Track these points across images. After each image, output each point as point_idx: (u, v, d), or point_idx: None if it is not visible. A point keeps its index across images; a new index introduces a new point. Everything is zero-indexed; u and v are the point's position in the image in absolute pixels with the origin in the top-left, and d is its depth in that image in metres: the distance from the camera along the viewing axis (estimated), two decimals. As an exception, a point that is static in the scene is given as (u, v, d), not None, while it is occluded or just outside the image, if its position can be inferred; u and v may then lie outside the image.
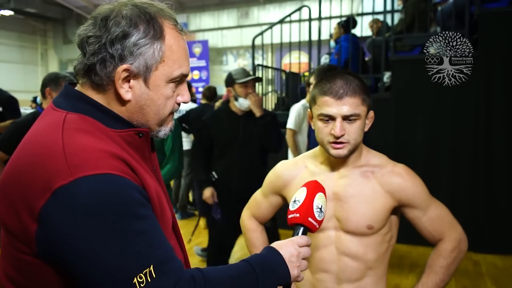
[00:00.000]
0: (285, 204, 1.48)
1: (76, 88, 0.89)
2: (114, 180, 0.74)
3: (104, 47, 0.81)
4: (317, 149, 1.40)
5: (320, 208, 1.03)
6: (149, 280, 0.73)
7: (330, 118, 1.24)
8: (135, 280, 0.72)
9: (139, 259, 0.73)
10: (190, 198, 5.99)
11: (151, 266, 0.73)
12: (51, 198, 0.71)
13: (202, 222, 5.09)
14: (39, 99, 5.98)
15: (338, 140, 1.23)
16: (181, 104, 0.94)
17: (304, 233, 1.01)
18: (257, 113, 2.83)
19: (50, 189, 0.72)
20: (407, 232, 1.54)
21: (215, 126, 2.95)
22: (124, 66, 0.82)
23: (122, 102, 0.86)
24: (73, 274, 0.74)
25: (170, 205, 0.97)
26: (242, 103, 2.84)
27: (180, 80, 0.89)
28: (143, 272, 0.72)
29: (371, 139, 2.00)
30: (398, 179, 1.30)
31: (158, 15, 0.85)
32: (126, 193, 0.75)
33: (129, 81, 0.84)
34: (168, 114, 0.91)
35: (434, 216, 1.32)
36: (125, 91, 0.84)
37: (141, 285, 0.72)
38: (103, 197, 0.72)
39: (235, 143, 2.89)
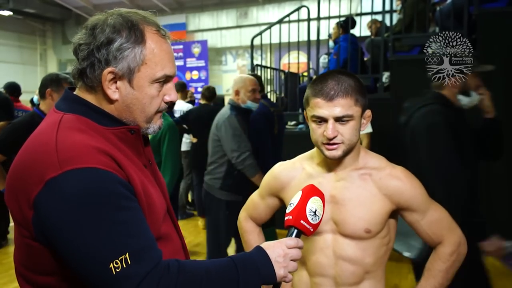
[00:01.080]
0: (282, 205, 1.47)
1: (75, 92, 0.98)
2: (99, 173, 0.82)
3: (92, 52, 0.91)
4: (314, 150, 1.39)
5: (315, 212, 1.03)
6: (124, 266, 0.79)
7: (322, 119, 1.23)
8: (111, 265, 0.79)
9: (116, 246, 0.80)
10: (189, 199, 5.99)
11: (127, 253, 0.80)
12: (43, 188, 0.81)
13: (201, 222, 5.09)
14: (36, 99, 5.97)
15: (331, 142, 1.22)
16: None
17: (297, 235, 1.01)
18: (491, 113, 2.21)
19: (43, 181, 0.81)
20: (406, 232, 1.54)
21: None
22: (109, 69, 0.91)
23: (111, 101, 0.94)
24: (60, 255, 0.83)
25: (165, 195, 1.05)
26: (474, 99, 2.13)
27: (165, 80, 0.97)
28: (119, 259, 0.79)
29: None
30: (396, 182, 1.28)
31: (140, 22, 0.94)
32: (108, 185, 0.83)
33: (116, 82, 0.93)
34: (154, 112, 0.98)
35: (433, 219, 1.31)
36: (112, 92, 0.93)
37: (117, 270, 0.79)
38: (87, 188, 0.81)
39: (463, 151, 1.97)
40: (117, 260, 0.79)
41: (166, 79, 0.97)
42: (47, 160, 0.83)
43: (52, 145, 0.85)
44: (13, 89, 4.86)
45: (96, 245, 0.79)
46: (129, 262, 0.80)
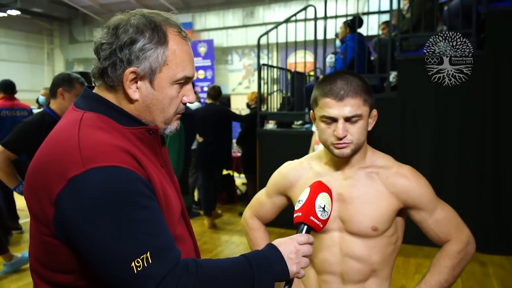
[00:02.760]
0: (289, 204, 1.47)
1: (94, 90, 0.99)
2: (121, 172, 0.83)
3: (115, 52, 0.92)
4: (321, 149, 1.40)
5: (323, 208, 1.03)
6: (146, 265, 0.80)
7: (332, 119, 1.23)
8: (132, 264, 0.79)
9: (138, 245, 0.80)
10: (196, 198, 6.00)
11: (148, 252, 0.80)
12: (66, 186, 0.81)
13: (207, 221, 5.10)
14: (42, 99, 5.95)
15: (341, 141, 1.23)
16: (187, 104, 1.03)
17: (307, 232, 1.02)
18: None
19: (65, 178, 0.81)
20: (414, 232, 1.54)
21: None
22: (131, 69, 0.92)
23: (131, 101, 0.95)
24: (81, 253, 0.83)
25: (180, 196, 1.05)
26: None
27: (184, 81, 0.98)
28: (141, 257, 0.80)
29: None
30: (403, 181, 1.28)
31: (163, 23, 0.95)
32: (131, 184, 0.83)
33: (136, 82, 0.94)
34: (173, 113, 0.99)
35: (440, 218, 1.30)
36: (133, 92, 0.94)
37: (138, 269, 0.79)
38: (110, 187, 0.81)
39: None
40: (138, 259, 0.79)
41: (186, 80, 0.98)
42: (70, 157, 0.83)
43: (75, 142, 0.85)
44: (6, 86, 4.71)
45: (118, 244, 0.80)
46: (150, 261, 0.80)
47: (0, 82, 4.78)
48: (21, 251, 3.85)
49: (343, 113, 1.21)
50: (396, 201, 1.28)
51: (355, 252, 1.30)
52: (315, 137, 4.06)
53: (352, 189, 1.30)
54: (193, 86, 5.84)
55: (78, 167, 0.81)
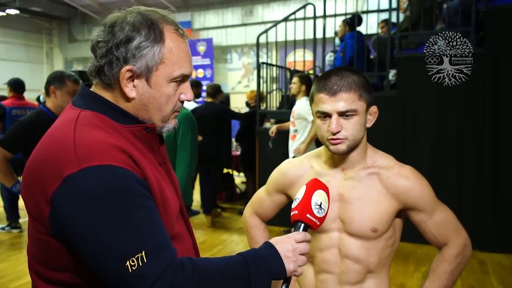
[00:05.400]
0: (289, 203, 1.47)
1: (91, 88, 0.99)
2: (116, 171, 0.83)
3: (111, 50, 0.91)
4: (321, 148, 1.39)
5: (320, 205, 1.03)
6: (140, 264, 0.80)
7: (327, 115, 1.23)
8: (127, 263, 0.79)
9: (133, 244, 0.80)
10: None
11: (143, 251, 0.80)
12: (61, 185, 0.81)
13: (207, 220, 5.10)
14: (42, 97, 5.97)
15: (335, 136, 1.23)
16: (186, 102, 1.04)
17: (304, 229, 1.02)
18: None
19: (61, 177, 0.81)
20: (413, 230, 1.53)
21: None
22: (128, 67, 0.91)
23: (128, 99, 0.95)
24: (76, 251, 0.83)
25: (178, 194, 1.05)
26: None
27: (181, 79, 0.97)
28: (136, 257, 0.80)
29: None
30: (404, 182, 1.28)
31: (159, 20, 0.94)
32: (126, 183, 0.83)
33: (133, 81, 0.93)
34: (170, 111, 0.99)
35: (439, 220, 1.30)
36: (130, 90, 0.94)
37: (133, 268, 0.79)
38: (105, 186, 0.81)
39: None
40: (133, 258, 0.79)
41: (183, 78, 0.97)
42: (65, 156, 0.83)
43: (70, 141, 0.85)
44: (17, 85, 4.70)
45: (113, 243, 0.80)
46: (145, 261, 0.80)
47: (11, 81, 4.75)
48: (21, 250, 3.86)
49: (336, 108, 1.21)
50: (396, 202, 1.28)
51: (353, 253, 1.30)
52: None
53: (352, 190, 1.30)
54: (201, 86, 5.80)
55: (73, 166, 0.81)
